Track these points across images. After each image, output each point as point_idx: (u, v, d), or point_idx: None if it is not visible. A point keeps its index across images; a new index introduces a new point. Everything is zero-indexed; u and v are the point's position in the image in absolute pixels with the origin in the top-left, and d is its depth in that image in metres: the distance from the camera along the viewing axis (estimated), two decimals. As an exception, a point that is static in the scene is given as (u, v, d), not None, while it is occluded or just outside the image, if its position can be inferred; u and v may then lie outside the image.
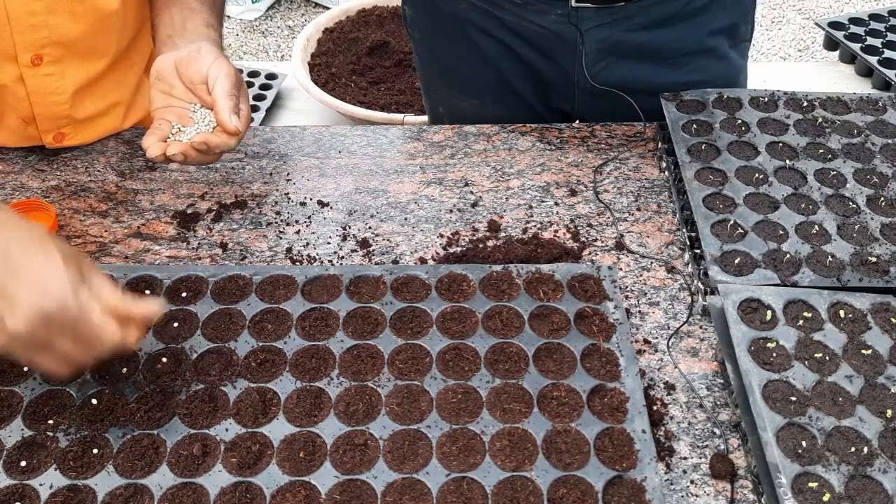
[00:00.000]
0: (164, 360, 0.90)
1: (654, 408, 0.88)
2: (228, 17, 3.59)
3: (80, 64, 1.14)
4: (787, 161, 1.11)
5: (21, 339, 0.75)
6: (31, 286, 0.75)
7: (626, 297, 1.00)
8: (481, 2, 1.23)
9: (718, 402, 0.89)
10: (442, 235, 1.08)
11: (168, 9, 1.12)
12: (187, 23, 1.10)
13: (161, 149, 1.01)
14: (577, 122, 1.29)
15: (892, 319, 0.91)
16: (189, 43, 1.07)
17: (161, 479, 0.81)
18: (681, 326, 0.96)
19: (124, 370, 0.90)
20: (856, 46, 2.24)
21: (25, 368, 0.90)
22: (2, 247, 0.76)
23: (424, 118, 2.27)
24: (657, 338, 0.96)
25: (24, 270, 0.75)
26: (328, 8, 3.41)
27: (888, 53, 2.20)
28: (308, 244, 1.07)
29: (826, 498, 0.76)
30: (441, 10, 1.28)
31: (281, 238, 1.08)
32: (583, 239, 1.07)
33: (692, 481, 0.82)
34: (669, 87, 1.22)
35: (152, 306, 0.82)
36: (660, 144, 1.19)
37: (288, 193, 1.15)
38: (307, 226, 1.10)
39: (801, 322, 0.91)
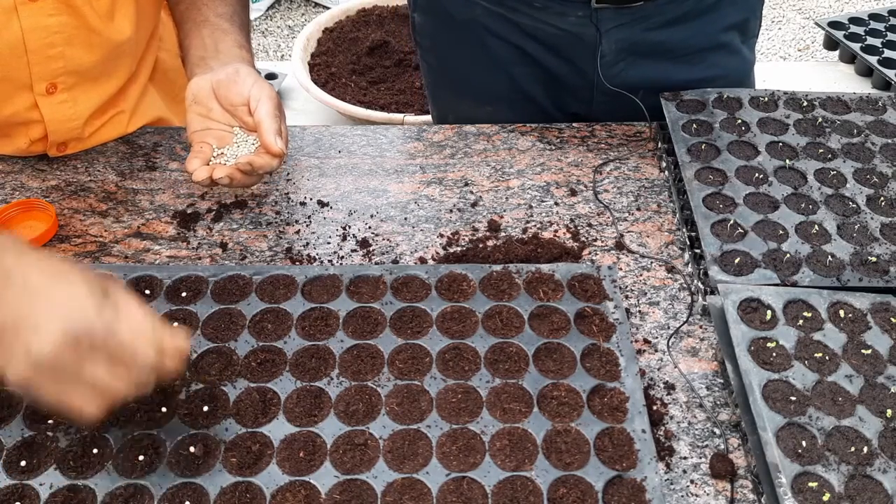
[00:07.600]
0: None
1: (654, 407, 0.88)
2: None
3: (93, 88, 1.14)
4: (787, 161, 1.11)
5: (46, 367, 0.71)
6: (52, 309, 0.72)
7: (626, 297, 1.00)
8: (496, 6, 1.22)
9: (718, 402, 0.89)
10: (442, 235, 1.08)
11: (199, 31, 1.11)
12: (219, 44, 1.09)
13: (207, 172, 1.00)
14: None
15: (892, 319, 0.91)
16: (223, 65, 1.05)
17: (161, 479, 0.81)
18: (681, 326, 0.96)
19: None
20: (856, 46, 2.24)
21: (50, 421, 0.86)
22: (22, 275, 0.74)
23: (424, 118, 2.27)
24: (657, 337, 0.96)
25: (44, 296, 0.73)
26: (328, 8, 3.41)
27: (888, 53, 2.20)
28: (308, 244, 1.07)
29: (826, 497, 0.76)
30: (454, 16, 1.27)
31: (281, 238, 1.08)
32: (583, 239, 1.07)
33: (692, 481, 0.82)
34: (686, 84, 1.22)
35: (183, 340, 0.78)
36: (660, 144, 1.19)
37: (288, 193, 1.15)
38: (307, 226, 1.10)
39: (800, 322, 0.91)
